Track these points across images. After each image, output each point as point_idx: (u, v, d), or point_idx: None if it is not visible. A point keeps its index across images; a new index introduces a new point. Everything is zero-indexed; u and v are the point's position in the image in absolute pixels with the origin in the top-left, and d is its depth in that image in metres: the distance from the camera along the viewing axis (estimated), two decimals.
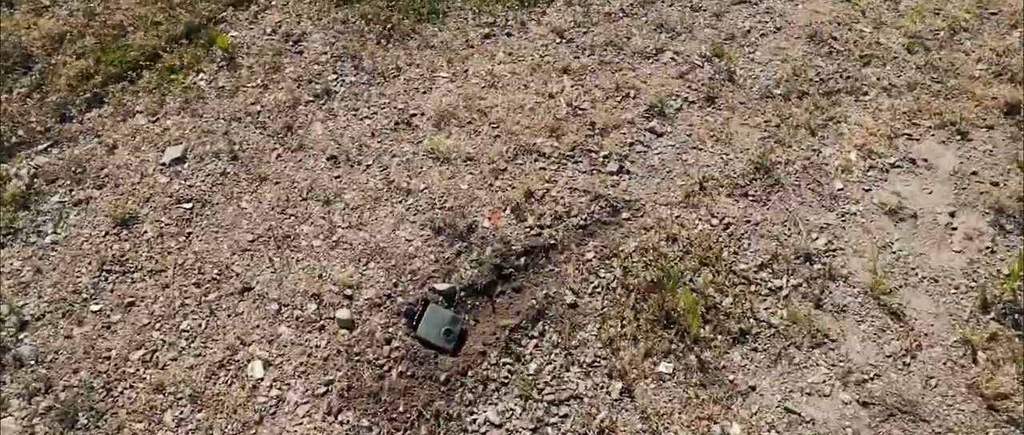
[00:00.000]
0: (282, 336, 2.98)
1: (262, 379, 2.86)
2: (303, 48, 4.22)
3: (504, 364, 2.81)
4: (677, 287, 2.89)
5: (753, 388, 2.73)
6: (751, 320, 2.90)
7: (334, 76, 4.04)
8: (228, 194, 3.51)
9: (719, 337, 2.85)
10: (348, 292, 3.07)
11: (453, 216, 3.29)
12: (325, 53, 4.17)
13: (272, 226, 3.36)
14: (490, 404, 2.73)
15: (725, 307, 2.93)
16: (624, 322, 2.91)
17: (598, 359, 2.82)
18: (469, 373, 2.79)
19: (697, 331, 2.81)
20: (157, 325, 3.05)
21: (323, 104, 3.91)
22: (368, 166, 3.59)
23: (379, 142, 3.69)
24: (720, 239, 3.16)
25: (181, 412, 2.78)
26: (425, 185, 3.46)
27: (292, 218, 3.39)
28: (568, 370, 2.80)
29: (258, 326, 3.02)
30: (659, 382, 2.75)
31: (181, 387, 2.84)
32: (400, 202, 3.41)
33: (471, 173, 3.50)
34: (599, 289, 3.03)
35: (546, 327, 2.92)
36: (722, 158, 3.52)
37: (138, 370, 2.92)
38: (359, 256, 3.20)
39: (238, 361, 2.92)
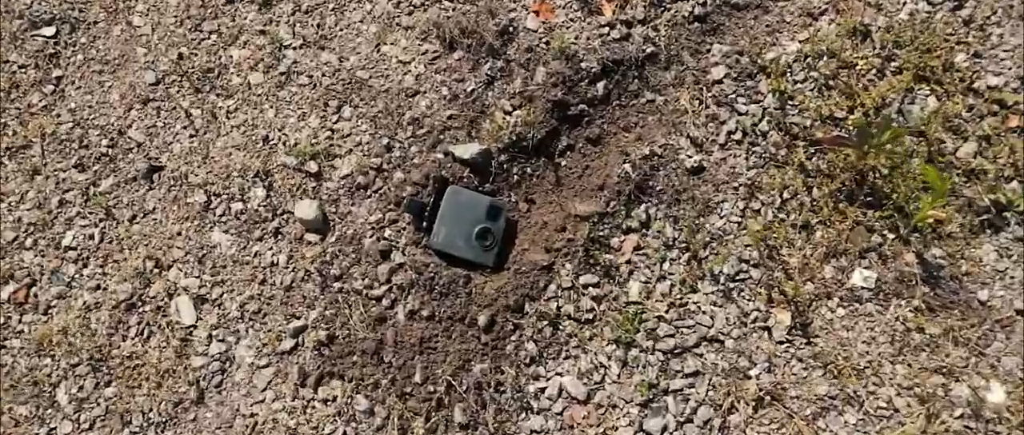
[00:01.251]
0: (218, 248, 1.85)
1: (194, 326, 1.79)
2: None
3: (585, 286, 1.67)
4: (882, 131, 1.58)
5: (1022, 313, 1.55)
6: (1014, 186, 1.63)
7: None
8: (109, 5, 2.17)
9: (957, 219, 1.61)
10: (312, 165, 1.86)
11: (474, 14, 1.93)
12: None
13: (183, 55, 2.06)
14: (566, 359, 1.63)
15: (964, 161, 1.65)
16: (788, 198, 1.68)
17: (746, 268, 1.64)
18: (526, 307, 1.67)
19: (926, 214, 1.57)
20: (28, 241, 1.94)
21: None
22: None
23: None
24: (949, 30, 1.77)
25: (79, 387, 1.77)
26: None
27: (213, 38, 2.07)
28: (695, 291, 1.64)
29: (179, 233, 1.88)
30: (852, 306, 1.59)
31: (76, 345, 1.80)
32: None
33: None
34: (739, 137, 1.75)
35: (652, 211, 1.71)
36: None
37: (10, 318, 1.87)
38: (325, 96, 1.93)
39: (154, 298, 1.83)
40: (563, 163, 1.80)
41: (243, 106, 1.98)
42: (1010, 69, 1.71)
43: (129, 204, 1.94)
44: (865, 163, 1.63)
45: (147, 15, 2.14)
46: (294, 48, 2.01)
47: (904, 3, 1.80)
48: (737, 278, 1.63)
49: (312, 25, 2.03)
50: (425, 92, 1.88)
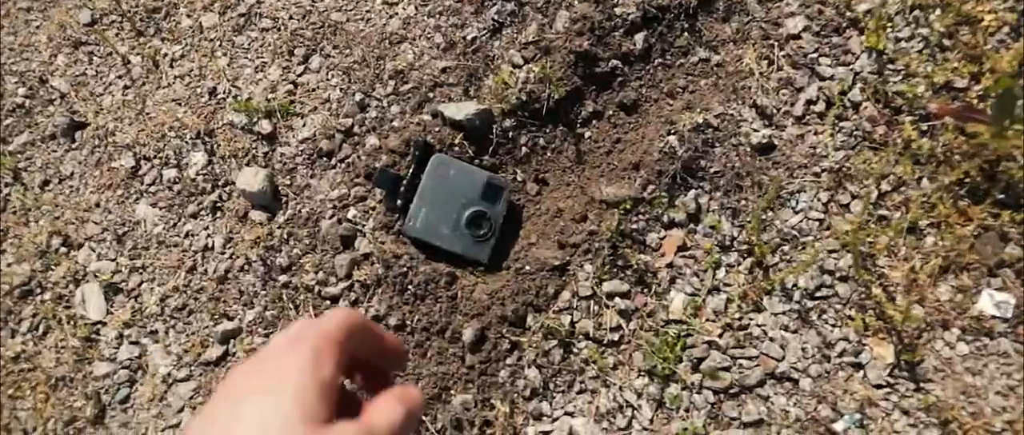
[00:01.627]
0: (142, 225, 1.45)
1: (102, 323, 1.39)
2: None
3: (610, 295, 1.24)
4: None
5: None
6: None
7: None
8: None
9: None
10: (265, 125, 1.45)
11: None
12: None
13: None
14: (581, 393, 1.20)
15: None
16: (888, 190, 1.24)
17: (830, 282, 1.20)
18: (529, 320, 1.24)
19: None
20: None
21: None
22: None
23: None
24: None
25: None
26: None
27: None
28: (759, 310, 1.21)
29: (98, 204, 1.49)
30: (979, 342, 1.15)
31: None
32: None
33: None
34: (821, 108, 1.32)
35: (703, 200, 1.28)
36: None
37: None
38: (291, 42, 1.54)
39: (56, 284, 1.44)
40: (587, 134, 1.38)
41: (191, 53, 1.59)
42: None
43: (43, 167, 1.55)
44: (1001, 146, 1.19)
45: None
46: None
47: None
48: (818, 295, 1.20)
49: None
50: (414, 39, 1.48)
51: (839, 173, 1.26)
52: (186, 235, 1.42)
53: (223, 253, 1.38)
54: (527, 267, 1.26)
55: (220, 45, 1.58)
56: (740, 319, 1.20)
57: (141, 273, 1.41)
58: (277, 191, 1.40)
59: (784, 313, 1.19)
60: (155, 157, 1.50)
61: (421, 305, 1.25)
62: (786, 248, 1.23)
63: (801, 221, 1.24)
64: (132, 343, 1.36)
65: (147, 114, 1.54)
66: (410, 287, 1.25)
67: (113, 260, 1.43)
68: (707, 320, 1.20)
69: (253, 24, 1.58)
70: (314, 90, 1.48)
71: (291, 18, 1.57)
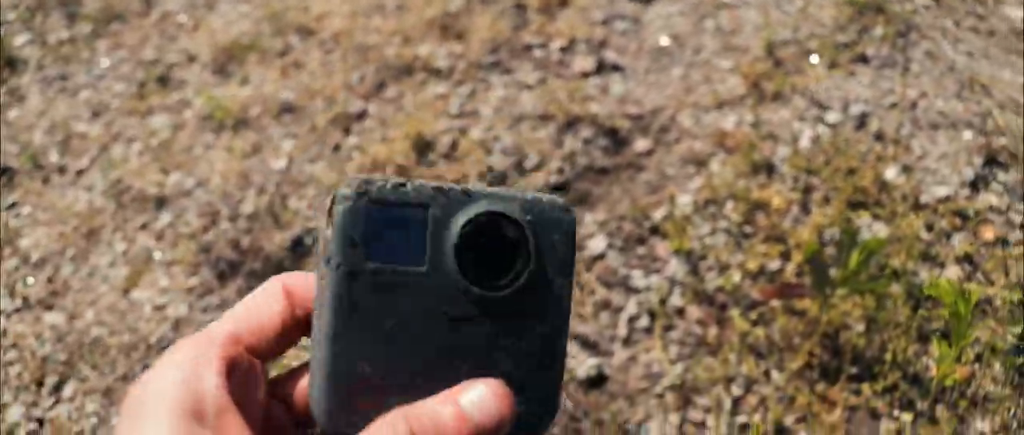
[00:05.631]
0: None
1: None
2: None
3: None
4: (844, 255, 1.09)
5: None
6: None
7: (27, 38, 2.11)
8: None
9: (987, 372, 1.08)
10: None
11: (259, 235, 1.42)
12: (14, 5, 2.23)
13: None
14: None
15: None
16: (740, 394, 1.11)
17: None
18: None
19: (949, 370, 1.02)
20: None
21: (3, 86, 1.97)
22: (81, 172, 1.68)
23: (106, 124, 1.78)
24: (863, 148, 1.41)
25: None
26: (197, 180, 1.57)
27: None
28: None
29: None
30: None
31: None
32: (146, 226, 1.51)
33: (293, 135, 1.64)
34: (646, 323, 1.21)
35: None
36: (783, 11, 1.79)
37: None
38: (39, 372, 1.28)
39: None
40: None
41: None
42: (952, 176, 1.33)
43: None
44: (833, 316, 1.11)
45: None
46: (8, 314, 1.40)
47: (802, 130, 1.45)
48: None
49: (41, 280, 1.45)
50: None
51: (684, 388, 1.11)
52: None
53: None
54: None
55: None
56: None
57: None
58: None
59: None
60: None
61: None
62: None
63: None
64: None
65: None
66: None
67: None
68: None
69: None
70: (66, 422, 1.20)
71: (44, 343, 1.33)
